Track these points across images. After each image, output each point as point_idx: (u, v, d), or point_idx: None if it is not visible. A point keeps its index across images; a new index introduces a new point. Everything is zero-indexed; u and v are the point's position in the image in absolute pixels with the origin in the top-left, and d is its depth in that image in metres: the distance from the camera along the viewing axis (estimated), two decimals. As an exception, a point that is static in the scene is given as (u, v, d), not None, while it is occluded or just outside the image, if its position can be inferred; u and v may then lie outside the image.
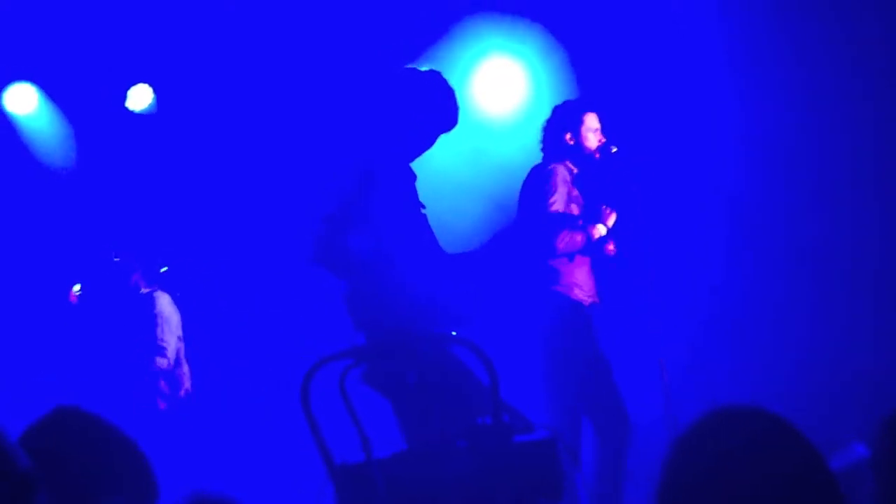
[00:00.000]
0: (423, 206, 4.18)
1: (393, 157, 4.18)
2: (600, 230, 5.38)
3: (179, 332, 6.77)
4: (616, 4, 7.00)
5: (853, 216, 6.62)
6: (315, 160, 6.81)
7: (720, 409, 1.83)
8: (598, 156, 5.49)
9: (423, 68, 4.34)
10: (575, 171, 5.55)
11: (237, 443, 7.03)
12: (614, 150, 5.44)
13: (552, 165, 5.47)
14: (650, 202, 5.61)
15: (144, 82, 7.64)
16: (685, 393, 5.53)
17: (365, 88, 5.93)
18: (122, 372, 6.62)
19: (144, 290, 6.78)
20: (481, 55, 7.36)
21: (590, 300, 5.40)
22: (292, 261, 6.56)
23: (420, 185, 4.22)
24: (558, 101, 5.75)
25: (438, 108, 4.26)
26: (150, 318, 6.65)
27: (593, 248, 5.39)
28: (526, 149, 6.31)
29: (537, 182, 5.44)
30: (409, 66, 4.41)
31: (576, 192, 5.48)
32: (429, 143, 4.31)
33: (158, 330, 6.62)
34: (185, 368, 6.78)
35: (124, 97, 7.64)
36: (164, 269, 6.88)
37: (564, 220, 5.32)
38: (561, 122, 5.54)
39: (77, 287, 6.78)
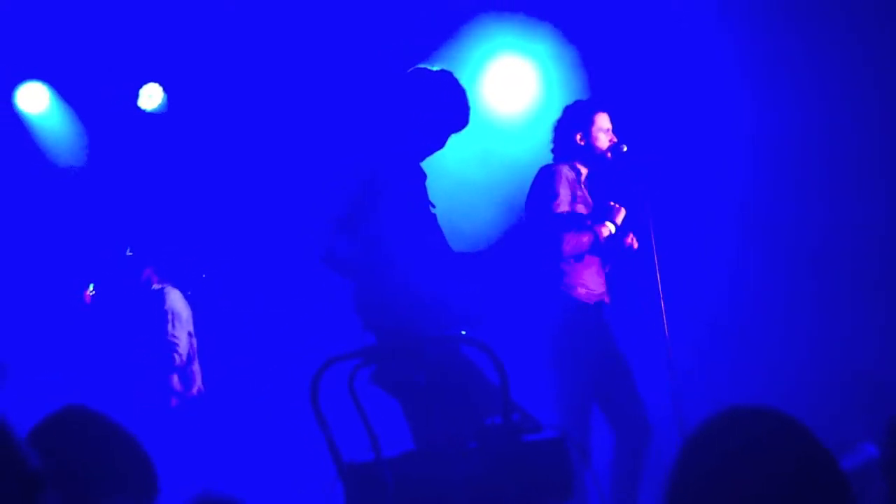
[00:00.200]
0: (433, 206, 4.18)
1: (403, 156, 4.19)
2: (609, 228, 5.36)
3: (191, 328, 6.78)
4: (627, 4, 6.99)
5: (860, 218, 6.61)
6: (325, 160, 6.82)
7: (729, 409, 1.82)
8: (609, 155, 5.48)
9: (435, 68, 4.34)
10: (584, 171, 5.54)
11: (247, 441, 7.04)
12: (625, 149, 5.43)
13: (556, 166, 5.47)
14: (659, 202, 5.60)
15: (155, 82, 7.66)
16: (693, 394, 5.52)
17: (376, 88, 5.94)
18: (134, 369, 6.64)
19: (156, 286, 6.80)
20: (492, 54, 7.36)
21: (596, 299, 5.37)
22: (302, 260, 6.57)
23: (430, 185, 4.22)
24: (569, 101, 5.74)
25: (449, 108, 4.26)
26: (161, 314, 6.66)
27: (601, 247, 5.37)
28: (536, 148, 6.30)
29: (541, 183, 5.44)
30: (420, 65, 4.40)
31: (582, 192, 5.46)
32: (440, 143, 4.31)
33: (169, 326, 6.63)
34: (197, 366, 6.79)
35: (136, 96, 7.66)
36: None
37: (569, 221, 5.31)
38: (571, 122, 5.52)
39: (91, 287, 6.80)
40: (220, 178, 7.66)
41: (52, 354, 7.25)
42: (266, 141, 7.56)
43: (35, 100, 7.75)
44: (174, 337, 6.62)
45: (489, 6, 7.22)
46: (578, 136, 5.49)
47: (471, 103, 4.33)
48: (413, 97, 4.24)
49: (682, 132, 6.86)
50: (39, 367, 7.12)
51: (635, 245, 5.45)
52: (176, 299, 6.76)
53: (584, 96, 6.13)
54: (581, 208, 5.41)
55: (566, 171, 5.45)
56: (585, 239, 5.31)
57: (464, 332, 3.92)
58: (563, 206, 5.33)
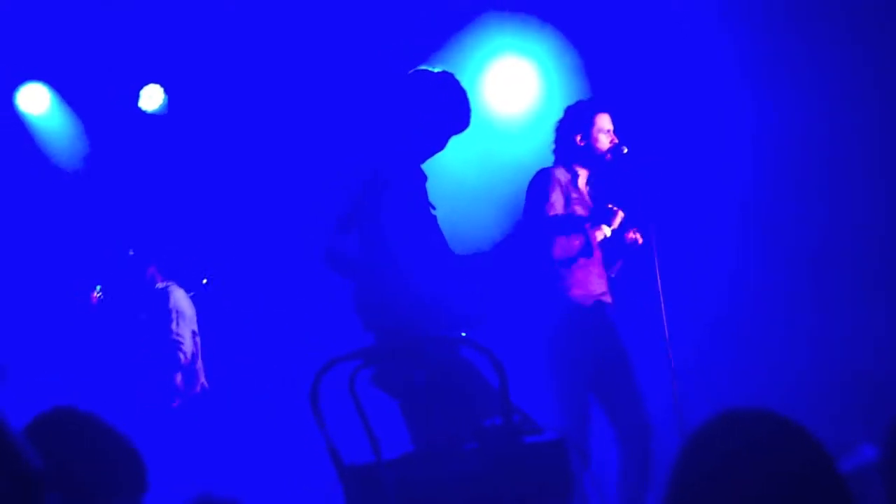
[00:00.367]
0: (434, 208, 4.19)
1: (404, 158, 4.19)
2: (605, 232, 5.36)
3: (194, 327, 6.79)
4: (628, 5, 6.99)
5: (861, 218, 6.61)
6: (326, 161, 6.82)
7: (728, 411, 1.82)
8: (608, 157, 5.47)
9: (436, 69, 4.34)
10: (582, 172, 5.53)
11: (247, 442, 7.04)
12: (625, 151, 5.43)
13: (550, 170, 5.48)
14: (659, 203, 5.60)
15: (156, 83, 7.67)
16: (693, 395, 5.52)
17: (377, 89, 5.94)
18: (138, 367, 6.65)
19: (160, 285, 6.81)
20: (493, 55, 7.36)
21: (594, 300, 5.37)
22: (304, 259, 6.57)
23: (431, 186, 4.22)
24: (570, 102, 5.74)
25: (450, 110, 4.27)
26: (165, 312, 6.67)
27: (592, 249, 5.35)
28: (537, 150, 6.31)
29: (533, 188, 5.46)
30: (421, 66, 4.41)
31: (578, 194, 5.46)
32: (440, 144, 4.31)
33: (173, 324, 6.64)
34: (200, 364, 6.80)
35: (136, 97, 7.66)
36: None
37: (558, 225, 5.32)
38: (572, 123, 5.52)
39: (98, 289, 6.81)
40: (221, 178, 7.67)
41: (56, 355, 7.26)
42: (267, 142, 7.57)
43: (36, 101, 7.75)
44: (178, 335, 6.63)
45: (490, 7, 7.22)
46: (578, 138, 5.49)
47: (472, 105, 4.33)
48: (414, 99, 4.25)
49: (682, 133, 6.86)
50: (42, 367, 7.13)
51: (639, 240, 5.44)
52: (180, 298, 6.77)
53: (585, 97, 6.13)
54: (579, 210, 5.40)
55: (561, 174, 5.46)
56: (576, 242, 5.31)
57: (464, 334, 3.92)
58: (555, 209, 5.34)
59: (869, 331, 6.49)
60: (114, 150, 7.80)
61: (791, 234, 6.74)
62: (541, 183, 5.43)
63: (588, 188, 5.57)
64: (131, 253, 6.82)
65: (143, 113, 7.70)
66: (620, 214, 5.34)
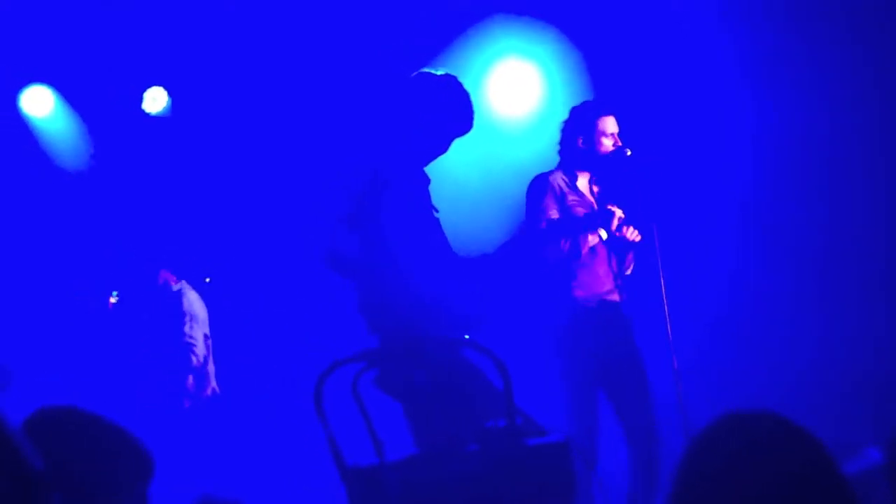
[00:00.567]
0: (437, 210, 4.18)
1: (407, 160, 4.19)
2: (601, 235, 5.36)
3: (206, 330, 6.82)
4: (631, 7, 6.99)
5: (863, 219, 6.61)
6: (329, 163, 6.82)
7: (732, 413, 1.82)
8: (611, 158, 5.47)
9: (439, 72, 4.34)
10: (583, 175, 5.53)
11: (252, 444, 7.04)
12: (629, 153, 5.42)
13: (545, 175, 5.50)
14: (662, 205, 5.60)
15: (160, 85, 7.68)
16: (697, 397, 5.51)
17: (380, 92, 5.94)
18: (151, 369, 6.67)
19: (175, 287, 6.83)
20: (496, 58, 7.36)
21: (598, 300, 5.37)
22: (307, 262, 6.58)
23: (434, 189, 4.22)
24: (572, 104, 5.74)
25: (453, 113, 4.26)
26: (179, 315, 6.70)
27: (580, 251, 5.35)
28: (540, 152, 6.31)
29: (528, 194, 5.51)
30: (424, 69, 4.41)
31: (577, 197, 5.46)
32: (443, 147, 4.31)
33: (186, 327, 6.67)
34: (212, 367, 6.83)
35: (140, 100, 7.67)
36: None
37: (551, 230, 5.34)
38: (575, 125, 5.53)
39: (115, 294, 6.83)
40: (225, 180, 7.67)
41: (67, 357, 7.28)
42: (270, 143, 7.57)
43: (40, 103, 7.76)
44: (191, 338, 6.66)
45: (493, 9, 7.22)
46: (580, 140, 5.49)
47: (475, 107, 4.33)
48: (417, 101, 4.25)
49: (684, 134, 6.86)
50: (52, 369, 7.14)
51: (636, 238, 5.43)
52: (194, 300, 6.81)
53: (587, 99, 6.12)
54: (580, 212, 5.41)
55: (557, 178, 5.47)
56: (566, 246, 5.31)
57: (467, 336, 3.92)
58: (548, 215, 5.35)
59: (872, 332, 6.48)
60: (117, 153, 7.81)
61: (793, 234, 6.73)
62: (532, 190, 5.48)
63: (597, 188, 5.57)
64: (143, 259, 6.86)
65: (147, 115, 7.71)
66: (618, 214, 5.34)
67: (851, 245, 6.60)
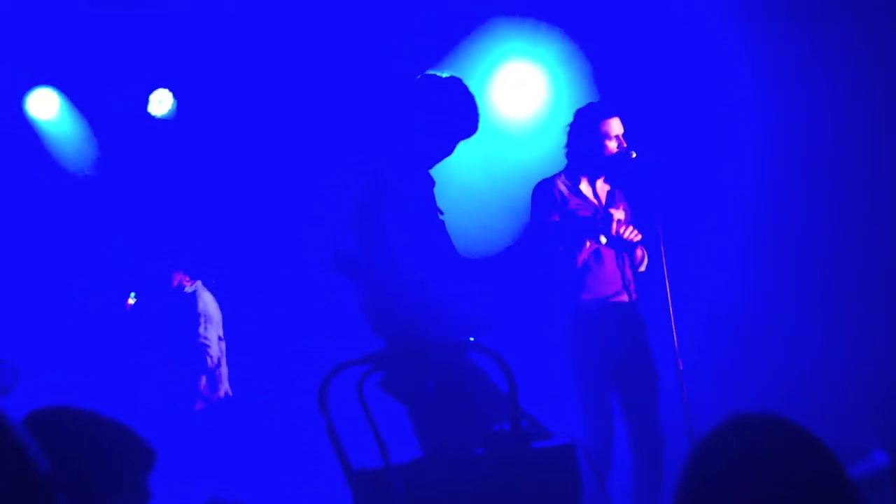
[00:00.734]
0: (442, 213, 4.19)
1: (412, 163, 4.19)
2: (601, 240, 5.37)
3: (220, 332, 6.83)
4: (636, 9, 6.98)
5: (869, 220, 6.60)
6: (334, 166, 6.82)
7: (738, 416, 1.82)
8: (617, 160, 5.48)
9: (444, 74, 4.35)
10: (587, 178, 5.54)
11: (257, 445, 7.04)
12: (634, 155, 5.43)
13: (547, 182, 5.53)
14: (668, 206, 5.60)
15: (165, 87, 7.69)
16: (702, 399, 5.51)
17: (385, 94, 5.94)
18: (165, 370, 6.69)
19: (189, 288, 6.85)
20: (501, 60, 7.36)
21: (605, 302, 5.37)
22: (311, 264, 6.58)
23: (439, 191, 4.22)
24: (577, 106, 5.74)
25: (458, 115, 4.27)
26: (194, 316, 6.72)
27: (579, 260, 5.37)
28: (545, 154, 6.32)
29: (532, 200, 5.52)
30: (429, 71, 4.41)
31: (579, 201, 5.47)
32: (448, 149, 4.31)
33: (201, 328, 6.69)
34: (225, 369, 6.84)
35: (145, 102, 7.68)
36: (213, 281, 6.97)
37: (552, 237, 5.36)
38: (580, 127, 5.54)
39: (132, 295, 6.85)
40: (230, 183, 7.68)
41: (72, 358, 7.30)
42: (276, 146, 7.58)
43: (46, 105, 7.77)
44: (205, 339, 6.68)
45: (498, 12, 7.22)
46: (587, 142, 5.50)
47: (480, 109, 4.33)
48: (422, 104, 4.25)
49: (689, 136, 6.85)
50: (57, 370, 7.16)
51: (636, 237, 5.43)
52: (208, 301, 6.83)
53: (592, 101, 6.12)
54: (583, 216, 5.44)
55: (559, 182, 5.49)
56: (566, 253, 5.34)
57: (472, 338, 3.92)
58: (550, 221, 5.39)
59: (876, 334, 6.47)
60: (123, 155, 7.82)
61: (797, 236, 6.73)
62: (535, 196, 5.52)
63: (605, 190, 5.57)
64: (156, 262, 6.89)
65: (152, 118, 7.72)
66: (616, 216, 5.34)
67: (855, 246, 6.60)
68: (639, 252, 5.49)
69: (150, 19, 7.34)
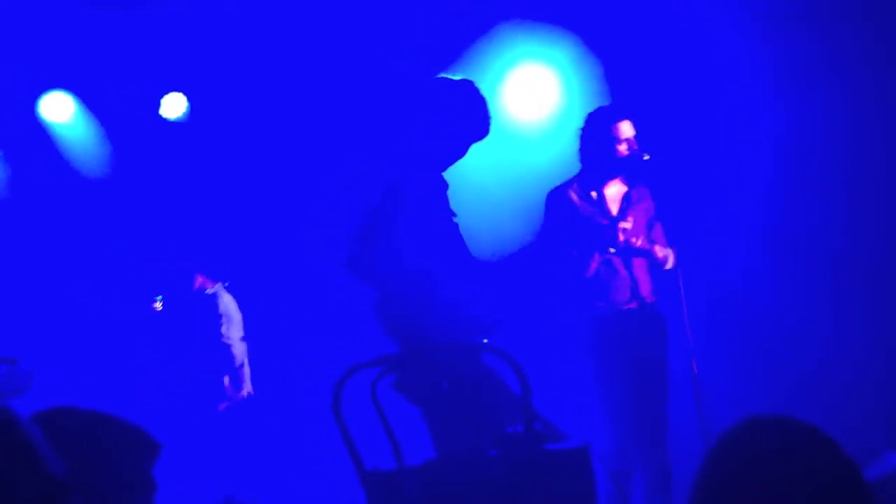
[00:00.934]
0: (455, 215, 4.19)
1: (425, 166, 4.20)
2: (610, 251, 5.39)
3: (241, 333, 6.86)
4: (649, 12, 6.97)
5: (886, 222, 6.57)
6: (347, 169, 6.84)
7: (752, 418, 1.82)
8: (629, 162, 5.48)
9: (456, 77, 4.35)
10: (601, 183, 5.55)
11: (274, 446, 7.05)
12: (646, 157, 5.43)
13: (557, 191, 5.56)
14: (681, 209, 5.60)
15: (178, 90, 7.70)
16: (717, 402, 5.50)
17: (397, 97, 5.95)
18: (188, 371, 6.72)
19: (210, 290, 6.88)
20: (513, 63, 7.35)
21: (618, 310, 5.39)
22: (325, 266, 6.59)
23: (452, 194, 4.22)
24: (590, 109, 5.75)
25: (471, 118, 4.27)
26: (215, 317, 6.75)
27: (588, 270, 5.39)
28: (558, 157, 6.32)
29: (545, 207, 5.53)
30: (442, 74, 4.41)
31: (592, 208, 5.48)
32: (461, 152, 4.32)
33: (223, 328, 6.73)
34: (247, 369, 6.87)
35: (158, 105, 7.70)
36: (227, 284, 7.00)
37: (561, 249, 5.39)
38: (591, 132, 5.55)
39: (159, 299, 6.88)
40: (243, 185, 7.69)
41: (85, 360, 7.33)
42: (289, 148, 7.59)
43: (59, 109, 7.80)
44: (228, 339, 6.72)
45: (510, 14, 7.21)
46: (599, 146, 5.51)
47: (492, 112, 4.33)
48: (434, 106, 4.25)
49: (701, 138, 6.84)
50: (72, 372, 7.19)
51: (638, 244, 5.44)
52: (229, 302, 6.86)
53: (605, 104, 6.13)
54: (595, 223, 5.46)
55: (572, 191, 5.52)
56: (575, 265, 5.38)
57: (485, 340, 3.92)
58: (560, 232, 5.40)
59: (894, 337, 6.44)
60: (136, 158, 7.84)
61: (812, 237, 6.70)
62: (547, 205, 5.58)
63: (621, 192, 5.57)
64: (176, 265, 6.92)
65: (165, 120, 7.73)
66: (624, 226, 5.35)
67: (870, 248, 6.57)
68: (659, 253, 5.48)
69: (163, 22, 7.36)
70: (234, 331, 6.78)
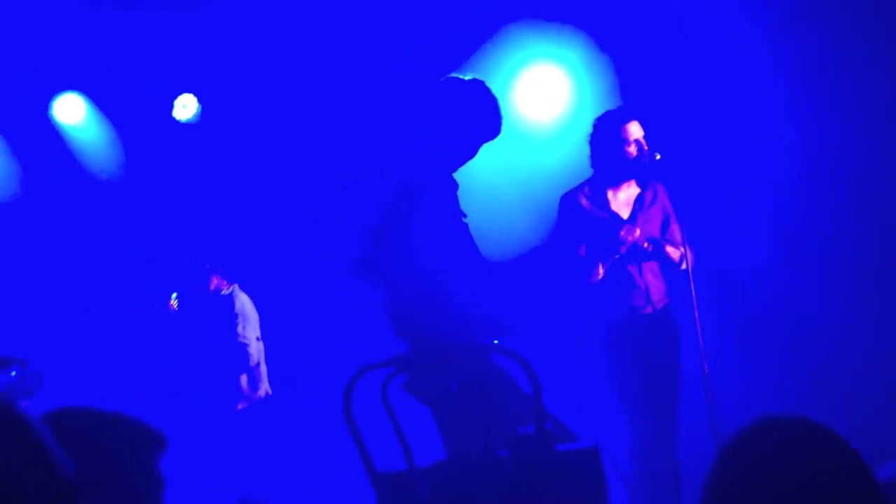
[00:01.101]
0: (465, 216, 4.19)
1: (436, 166, 4.19)
2: (599, 273, 5.41)
3: (258, 332, 6.88)
4: (660, 11, 6.96)
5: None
6: (358, 170, 6.85)
7: (764, 418, 1.81)
8: (640, 163, 5.48)
9: (467, 77, 4.35)
10: (612, 188, 5.56)
11: (287, 446, 7.06)
12: (658, 157, 5.42)
13: (568, 196, 5.58)
14: (692, 209, 5.60)
15: (190, 92, 7.72)
16: (728, 403, 5.50)
17: (408, 97, 5.96)
18: (205, 371, 6.75)
19: (226, 291, 6.90)
20: (524, 63, 7.35)
21: (628, 314, 5.40)
22: (335, 268, 6.60)
23: (462, 194, 4.22)
24: (601, 108, 5.75)
25: (482, 118, 4.26)
26: (231, 316, 6.77)
27: (594, 277, 5.40)
28: (568, 157, 6.32)
29: (558, 212, 5.56)
30: (452, 74, 4.41)
31: (603, 213, 5.49)
32: (472, 152, 4.31)
33: (239, 327, 6.74)
34: (264, 368, 6.89)
35: (170, 107, 7.72)
36: (237, 285, 7.02)
37: (570, 257, 5.41)
38: (599, 137, 5.56)
39: (175, 296, 6.91)
40: (254, 187, 7.71)
41: (100, 360, 7.36)
42: (300, 149, 7.60)
43: (72, 111, 7.83)
44: (244, 338, 6.73)
45: (521, 14, 7.21)
46: (607, 149, 5.52)
47: (503, 112, 4.33)
48: (445, 106, 4.25)
49: (714, 138, 6.83)
50: (87, 372, 7.22)
51: (647, 247, 5.45)
52: (245, 302, 6.89)
53: (616, 104, 6.13)
54: (607, 227, 5.48)
55: (583, 196, 5.53)
56: (582, 273, 5.41)
57: (496, 341, 3.92)
58: (570, 239, 5.42)
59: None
60: (148, 159, 7.87)
61: (824, 237, 6.68)
62: (559, 210, 5.60)
63: (638, 192, 5.57)
64: (192, 265, 6.93)
65: (177, 122, 7.76)
66: (627, 234, 5.36)
67: (882, 249, 6.55)
68: (673, 254, 5.47)
69: (175, 24, 7.38)
70: (250, 330, 6.81)
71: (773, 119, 6.76)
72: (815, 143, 6.66)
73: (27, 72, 7.58)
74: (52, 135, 7.87)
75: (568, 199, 5.57)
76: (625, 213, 5.54)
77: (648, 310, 5.44)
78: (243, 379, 6.77)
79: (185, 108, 7.73)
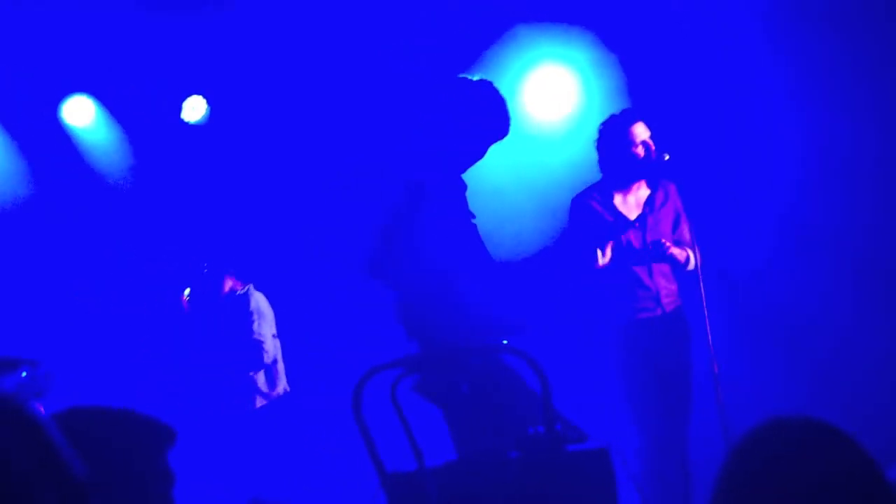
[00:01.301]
0: (474, 216, 4.19)
1: (444, 167, 4.19)
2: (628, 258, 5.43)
3: (274, 330, 6.89)
4: (668, 12, 6.95)
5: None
6: (367, 171, 6.85)
7: (774, 419, 1.81)
8: (648, 164, 5.48)
9: (475, 78, 4.35)
10: (620, 191, 5.56)
11: (299, 446, 7.06)
12: (667, 157, 5.42)
13: (578, 200, 5.59)
14: (701, 209, 5.59)
15: (199, 94, 7.74)
16: (738, 403, 5.49)
17: (416, 98, 5.96)
18: (221, 368, 6.76)
19: (241, 291, 6.92)
20: (532, 63, 7.35)
21: (635, 318, 5.41)
22: (345, 269, 6.60)
23: (471, 195, 4.22)
24: (610, 109, 5.76)
25: (490, 118, 4.26)
26: (247, 314, 6.78)
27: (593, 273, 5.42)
28: (576, 157, 6.31)
29: (569, 215, 5.58)
30: (461, 75, 4.41)
31: (612, 216, 5.49)
32: (480, 153, 4.31)
33: (255, 325, 6.76)
34: (281, 366, 6.91)
35: (179, 109, 7.73)
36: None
37: (579, 258, 5.42)
38: (606, 138, 5.56)
39: (187, 292, 6.93)
40: (263, 188, 7.71)
41: (112, 359, 7.38)
42: (309, 151, 7.61)
43: (81, 113, 7.84)
44: (260, 335, 6.75)
45: (529, 15, 7.21)
46: (615, 152, 5.52)
47: (511, 112, 4.33)
48: (453, 107, 4.25)
49: (724, 138, 6.82)
50: (100, 371, 7.25)
51: (642, 244, 5.46)
52: (260, 300, 6.90)
53: (624, 104, 6.12)
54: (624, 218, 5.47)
55: (592, 199, 5.54)
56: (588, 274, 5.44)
57: (505, 342, 3.92)
58: (581, 242, 5.43)
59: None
60: (157, 161, 7.88)
61: (834, 238, 6.67)
62: (570, 213, 5.63)
63: (648, 193, 5.57)
64: (205, 269, 6.95)
65: (186, 124, 7.77)
66: (638, 233, 5.37)
67: (890, 250, 6.53)
68: (680, 255, 5.46)
69: (183, 27, 7.39)
70: (265, 327, 6.82)
71: (780, 119, 6.74)
72: (822, 142, 6.64)
73: (37, 74, 7.60)
74: (62, 137, 7.89)
75: (579, 202, 5.57)
76: (636, 215, 5.54)
77: (658, 312, 5.43)
78: (260, 376, 6.79)
79: (194, 110, 7.74)
